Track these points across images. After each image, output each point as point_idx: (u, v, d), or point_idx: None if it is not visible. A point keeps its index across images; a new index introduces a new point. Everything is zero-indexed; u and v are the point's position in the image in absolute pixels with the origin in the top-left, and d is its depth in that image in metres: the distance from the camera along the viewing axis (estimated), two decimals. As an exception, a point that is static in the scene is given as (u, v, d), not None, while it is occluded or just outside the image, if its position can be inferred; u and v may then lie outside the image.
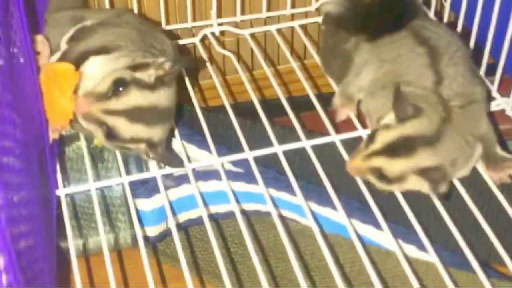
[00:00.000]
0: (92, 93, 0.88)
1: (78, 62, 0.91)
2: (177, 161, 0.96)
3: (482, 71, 1.11)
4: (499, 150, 0.97)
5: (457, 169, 0.91)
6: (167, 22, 1.25)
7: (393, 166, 0.88)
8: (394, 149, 0.88)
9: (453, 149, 0.89)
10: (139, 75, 0.90)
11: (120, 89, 0.88)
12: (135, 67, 0.90)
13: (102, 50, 0.93)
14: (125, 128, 0.89)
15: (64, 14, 1.03)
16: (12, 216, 0.62)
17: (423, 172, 0.87)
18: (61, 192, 0.96)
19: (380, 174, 0.89)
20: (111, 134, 0.90)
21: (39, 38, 0.91)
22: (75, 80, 0.89)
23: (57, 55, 0.94)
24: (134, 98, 0.89)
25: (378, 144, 0.89)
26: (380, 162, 0.88)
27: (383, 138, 0.88)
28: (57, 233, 0.93)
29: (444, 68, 0.96)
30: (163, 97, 0.92)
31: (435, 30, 1.02)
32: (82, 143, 1.02)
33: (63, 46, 0.96)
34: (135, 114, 0.89)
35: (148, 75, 0.90)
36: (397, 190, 0.92)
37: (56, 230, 0.92)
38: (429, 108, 0.90)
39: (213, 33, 1.25)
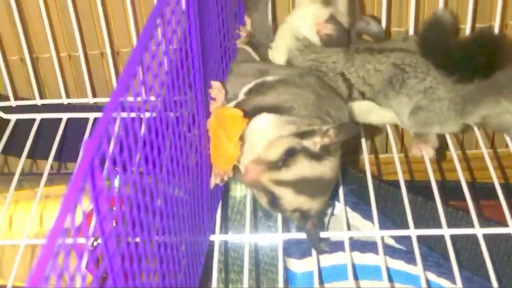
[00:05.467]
0: (262, 161, 0.84)
1: (250, 114, 0.87)
2: (317, 243, 0.88)
3: None
4: None
5: None
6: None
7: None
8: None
9: None
10: (306, 143, 0.84)
11: (290, 158, 0.83)
12: (301, 135, 0.85)
13: (275, 109, 0.88)
14: (290, 199, 0.84)
15: (250, 66, 1.00)
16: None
17: None
18: (216, 238, 0.92)
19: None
20: (274, 203, 0.85)
21: (216, 84, 0.88)
22: (242, 127, 0.84)
23: (232, 104, 0.91)
24: (303, 169, 0.83)
25: None
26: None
27: None
28: (203, 279, 0.88)
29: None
30: (328, 168, 0.85)
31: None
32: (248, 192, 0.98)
33: (241, 96, 0.93)
34: (301, 186, 0.84)
35: (313, 143, 0.85)
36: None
37: (201, 275, 0.87)
38: None
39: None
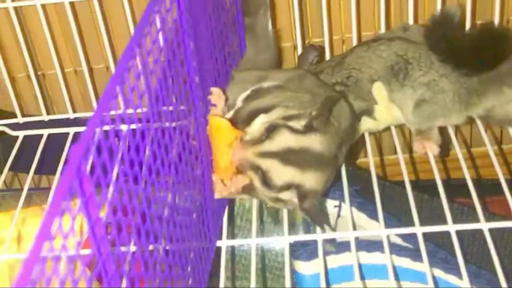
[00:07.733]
0: (248, 141, 0.85)
1: (248, 121, 0.88)
2: (323, 219, 0.88)
3: None
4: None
5: None
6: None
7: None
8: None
9: None
10: (291, 123, 0.85)
11: (273, 131, 0.84)
12: (287, 118, 0.86)
13: (271, 109, 0.88)
14: (278, 171, 0.84)
15: (250, 73, 1.00)
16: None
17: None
18: (223, 243, 0.92)
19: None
20: (265, 181, 0.84)
21: (216, 90, 0.88)
22: (230, 136, 0.85)
23: (231, 112, 0.91)
24: (286, 139, 0.84)
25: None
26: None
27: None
28: (210, 285, 0.88)
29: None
30: (315, 141, 0.85)
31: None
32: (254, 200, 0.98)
33: (238, 104, 0.93)
34: (287, 156, 0.83)
35: (300, 125, 0.85)
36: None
37: (209, 282, 0.87)
38: None
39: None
